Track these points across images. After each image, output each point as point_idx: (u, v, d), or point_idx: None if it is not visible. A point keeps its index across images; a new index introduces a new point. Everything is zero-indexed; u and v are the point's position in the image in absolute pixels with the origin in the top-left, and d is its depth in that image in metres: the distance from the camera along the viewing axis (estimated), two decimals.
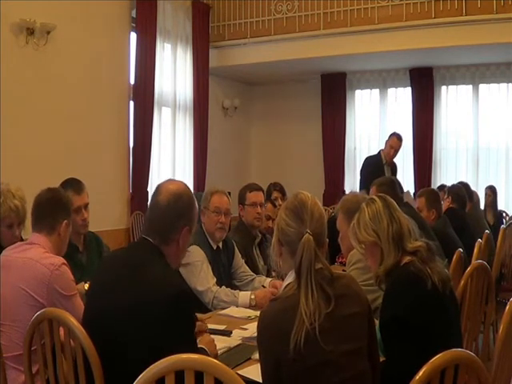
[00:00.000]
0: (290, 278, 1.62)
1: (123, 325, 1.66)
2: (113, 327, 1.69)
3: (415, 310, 1.81)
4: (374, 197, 2.11)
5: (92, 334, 1.71)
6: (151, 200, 1.87)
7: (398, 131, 6.29)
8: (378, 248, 2.00)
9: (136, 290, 1.69)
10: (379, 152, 6.26)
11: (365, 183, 5.74)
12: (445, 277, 1.90)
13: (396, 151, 6.08)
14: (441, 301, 1.86)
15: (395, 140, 6.06)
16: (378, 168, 5.92)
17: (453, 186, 5.02)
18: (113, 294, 1.73)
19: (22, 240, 2.57)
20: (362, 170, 6.37)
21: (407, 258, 1.95)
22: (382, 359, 1.81)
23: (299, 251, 1.56)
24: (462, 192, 4.66)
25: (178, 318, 1.64)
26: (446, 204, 4.57)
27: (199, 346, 2.02)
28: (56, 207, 2.31)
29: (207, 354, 1.94)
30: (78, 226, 2.86)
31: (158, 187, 1.87)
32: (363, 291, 1.71)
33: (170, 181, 1.92)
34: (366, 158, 6.51)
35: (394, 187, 3.67)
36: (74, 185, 2.89)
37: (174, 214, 1.81)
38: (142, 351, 1.60)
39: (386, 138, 6.24)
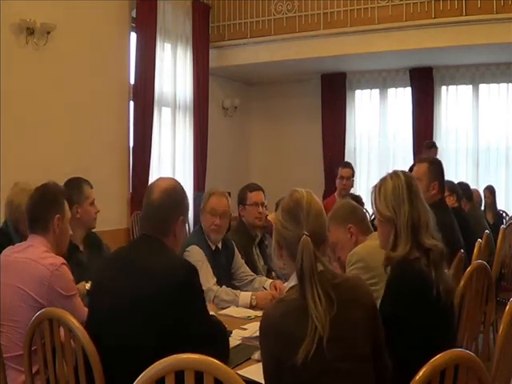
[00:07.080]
0: (294, 280, 1.57)
1: (137, 317, 1.70)
2: (126, 322, 1.72)
3: (416, 311, 1.76)
4: (400, 173, 1.93)
5: (102, 332, 1.74)
6: (146, 200, 1.96)
7: None
8: (391, 228, 1.88)
9: (145, 281, 1.74)
10: None
11: None
12: (450, 287, 1.84)
13: None
14: (442, 309, 1.81)
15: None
16: None
17: (449, 182, 4.99)
18: (120, 289, 1.77)
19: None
20: None
21: (415, 255, 1.82)
22: None
23: (298, 255, 1.51)
24: (457, 189, 4.65)
25: (192, 295, 1.76)
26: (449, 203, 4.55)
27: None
28: (44, 206, 2.30)
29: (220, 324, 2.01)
30: (92, 220, 2.91)
31: (150, 187, 1.98)
32: (370, 292, 1.64)
33: (160, 179, 2.04)
34: None
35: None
36: (85, 180, 2.96)
37: (169, 207, 1.92)
38: (161, 338, 1.66)
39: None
